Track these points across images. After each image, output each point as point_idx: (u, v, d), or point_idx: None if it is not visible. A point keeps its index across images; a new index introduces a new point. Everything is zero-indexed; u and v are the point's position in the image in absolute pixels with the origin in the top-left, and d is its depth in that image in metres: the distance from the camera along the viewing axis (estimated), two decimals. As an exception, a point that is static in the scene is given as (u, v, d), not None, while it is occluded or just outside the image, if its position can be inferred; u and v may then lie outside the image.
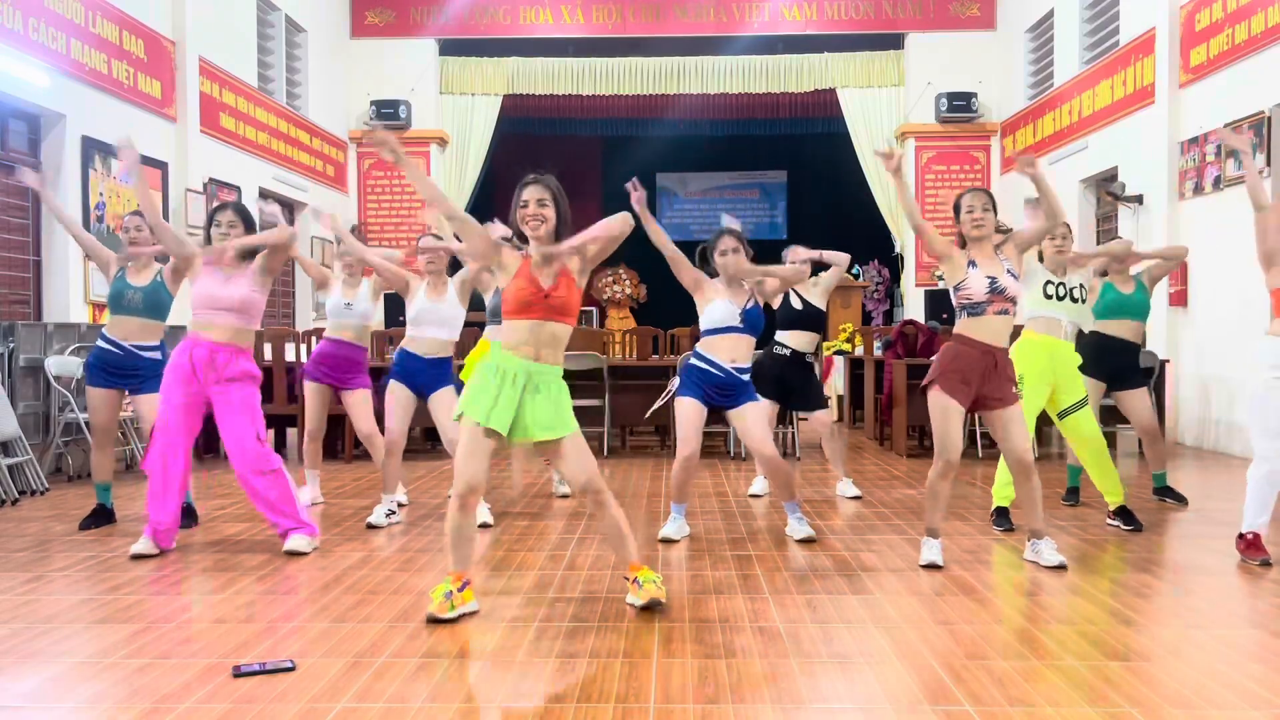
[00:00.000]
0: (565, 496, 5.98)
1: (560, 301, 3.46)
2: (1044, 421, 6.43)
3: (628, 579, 3.57)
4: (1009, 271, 4.09)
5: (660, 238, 4.50)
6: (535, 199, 3.48)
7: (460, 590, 3.45)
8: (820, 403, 5.97)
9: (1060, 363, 4.91)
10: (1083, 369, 5.01)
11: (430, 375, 5.10)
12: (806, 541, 4.66)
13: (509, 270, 3.50)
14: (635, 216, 3.81)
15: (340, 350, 5.56)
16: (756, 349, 4.84)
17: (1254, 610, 3.55)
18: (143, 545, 4.41)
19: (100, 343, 5.03)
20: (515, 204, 3.52)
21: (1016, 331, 5.05)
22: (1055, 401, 4.98)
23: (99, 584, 3.95)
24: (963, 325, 4.14)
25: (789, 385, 5.84)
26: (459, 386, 5.11)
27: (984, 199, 4.12)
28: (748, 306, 4.64)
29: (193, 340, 4.42)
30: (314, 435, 5.67)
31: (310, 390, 5.60)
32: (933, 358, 8.00)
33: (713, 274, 4.73)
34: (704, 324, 4.68)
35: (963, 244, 4.20)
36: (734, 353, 4.62)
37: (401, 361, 5.12)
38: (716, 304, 4.62)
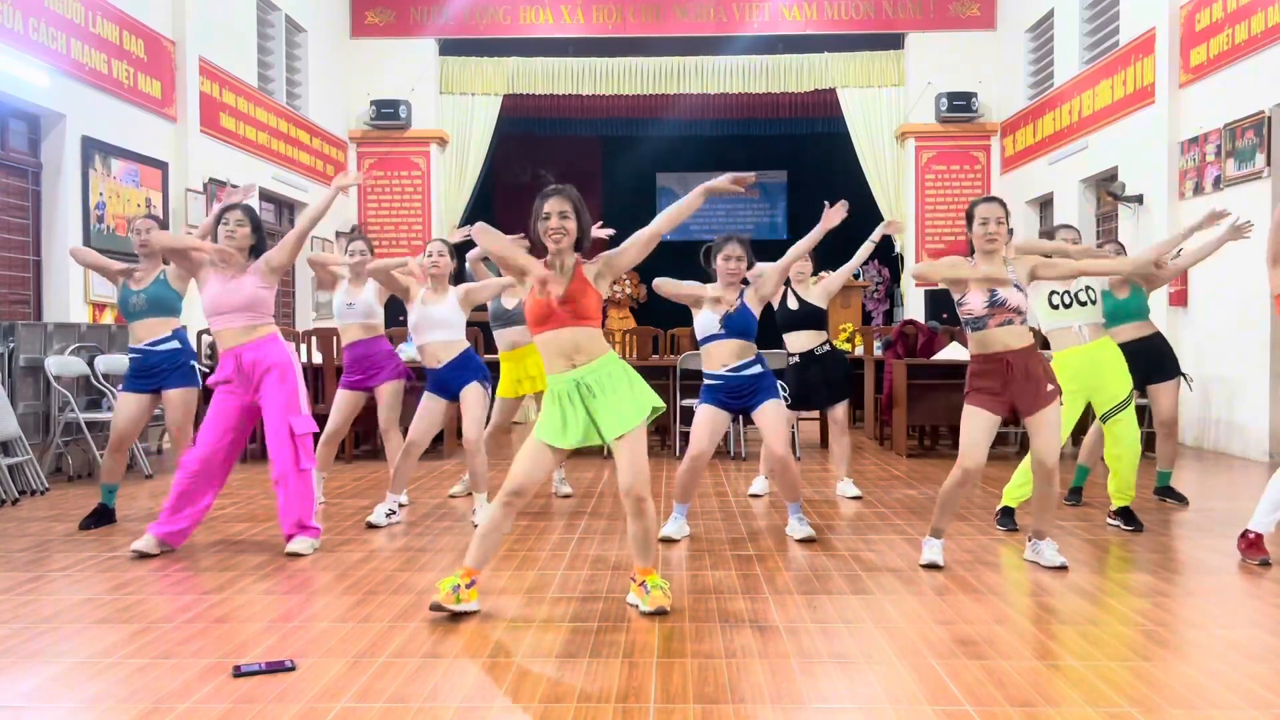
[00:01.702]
0: (567, 496, 5.98)
1: (574, 307, 3.47)
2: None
3: (634, 580, 3.58)
4: (1013, 283, 4.03)
5: (669, 289, 4.64)
6: (558, 211, 3.48)
7: (468, 587, 3.47)
8: (844, 393, 5.96)
9: (1092, 369, 4.87)
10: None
11: (455, 378, 5.11)
12: (806, 541, 4.67)
13: (528, 286, 3.51)
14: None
15: (356, 351, 5.59)
16: (765, 348, 4.85)
17: (1254, 610, 3.55)
18: (145, 543, 4.40)
19: (129, 353, 5.22)
20: (536, 215, 3.51)
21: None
22: (1097, 404, 4.95)
23: (99, 584, 3.95)
24: (971, 342, 4.12)
25: (810, 384, 5.86)
26: (484, 379, 5.16)
27: (999, 211, 4.05)
28: (731, 312, 4.64)
29: (222, 355, 4.50)
30: (331, 439, 5.68)
31: (339, 396, 5.64)
32: (933, 358, 8.06)
33: (711, 278, 4.75)
34: (697, 336, 4.77)
35: (971, 251, 4.18)
36: (723, 358, 4.65)
37: (429, 375, 5.16)
38: (700, 317, 4.70)
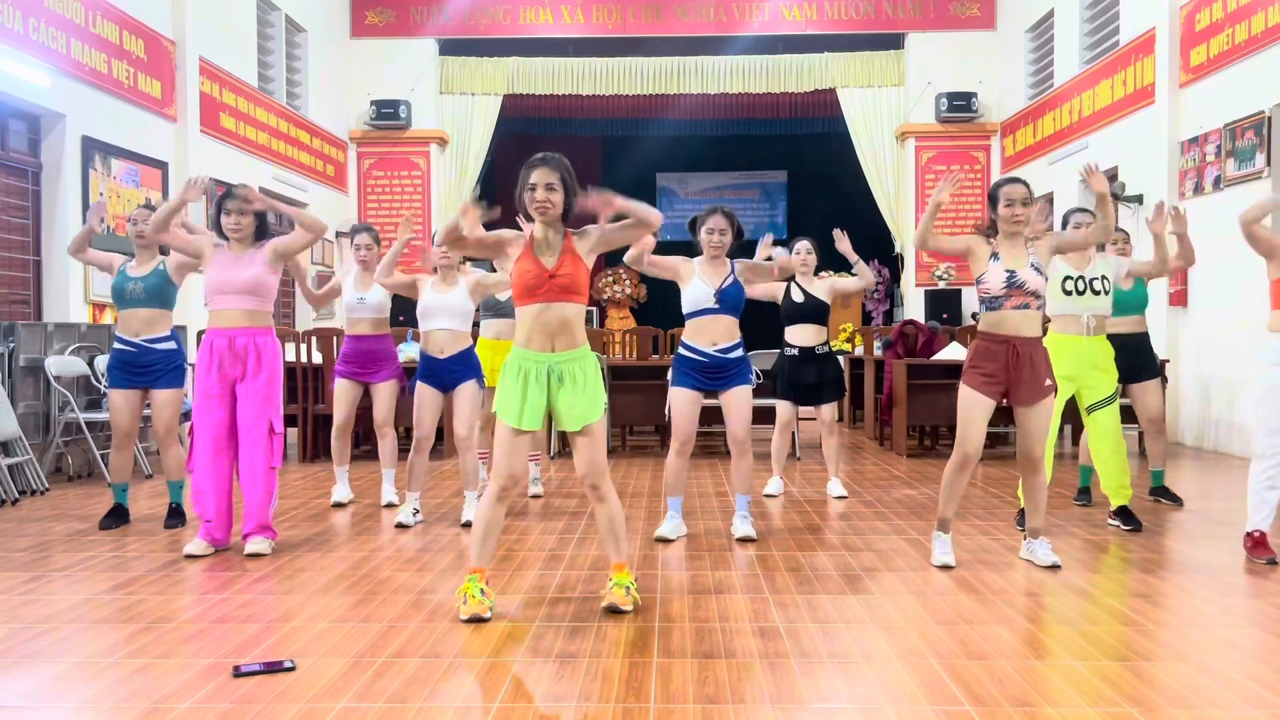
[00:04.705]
0: (536, 497, 5.95)
1: (567, 280, 3.42)
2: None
3: (609, 578, 3.59)
4: (1033, 265, 4.03)
5: (640, 261, 4.53)
6: (543, 183, 3.42)
7: (487, 585, 3.49)
8: (835, 395, 5.95)
9: (1085, 359, 4.89)
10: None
11: (453, 372, 5.09)
12: (745, 541, 4.66)
13: (513, 257, 3.49)
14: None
15: (361, 345, 5.64)
16: (762, 347, 4.84)
17: (1254, 610, 3.55)
18: (196, 546, 4.42)
19: (116, 344, 5.09)
20: (522, 185, 3.46)
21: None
22: (1082, 396, 4.98)
23: (99, 584, 3.95)
24: (984, 320, 4.13)
25: (803, 382, 5.86)
26: (481, 379, 5.15)
27: (1024, 193, 4.06)
28: (724, 286, 4.61)
29: (212, 334, 4.45)
30: (341, 431, 5.71)
31: (338, 386, 5.67)
32: (933, 358, 8.05)
33: (696, 252, 4.73)
34: (684, 309, 4.69)
35: (989, 233, 4.17)
36: (714, 335, 4.61)
37: (424, 363, 5.15)
38: (691, 286, 4.63)
